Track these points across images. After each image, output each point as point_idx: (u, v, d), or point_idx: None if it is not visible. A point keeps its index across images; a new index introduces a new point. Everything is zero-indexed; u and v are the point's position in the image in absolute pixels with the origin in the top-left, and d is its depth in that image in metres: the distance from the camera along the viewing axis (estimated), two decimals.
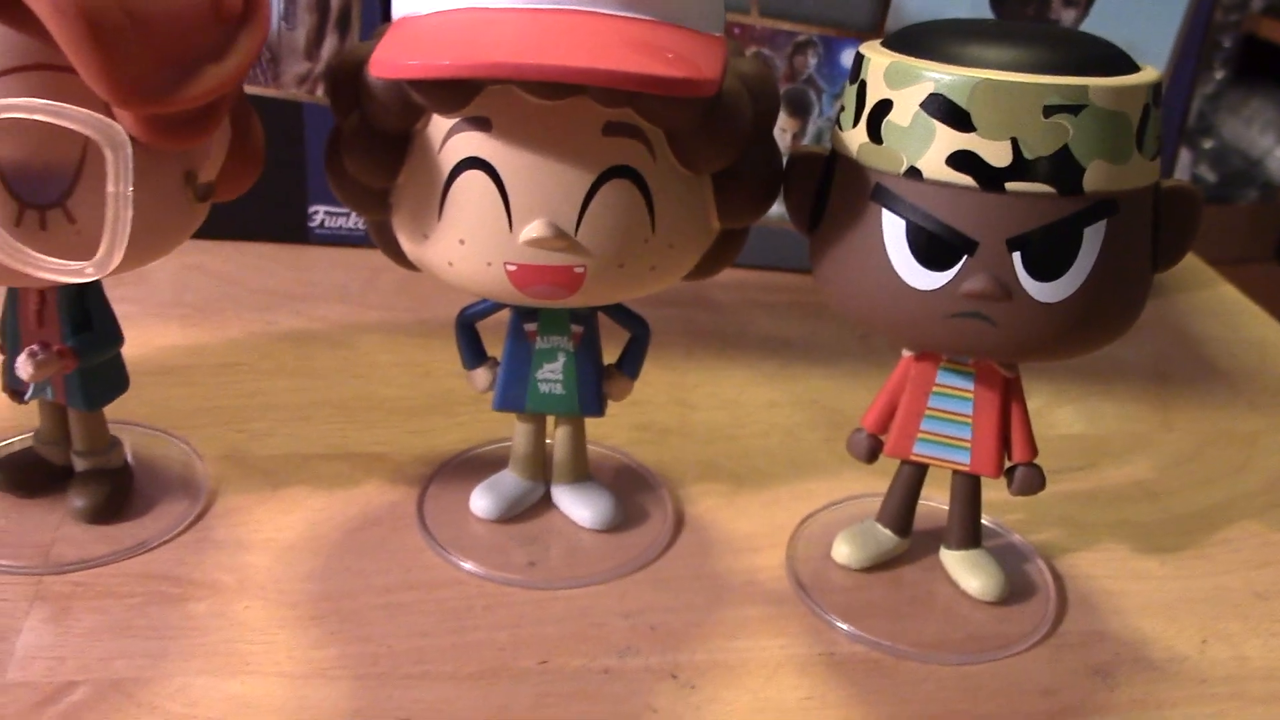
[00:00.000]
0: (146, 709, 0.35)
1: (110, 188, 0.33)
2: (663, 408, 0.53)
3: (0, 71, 0.33)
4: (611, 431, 0.49)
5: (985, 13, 0.59)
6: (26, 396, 0.41)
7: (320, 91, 0.61)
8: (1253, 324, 0.67)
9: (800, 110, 0.62)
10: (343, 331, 0.58)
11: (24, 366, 0.39)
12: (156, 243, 0.37)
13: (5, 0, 0.32)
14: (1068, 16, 0.59)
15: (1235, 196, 2.66)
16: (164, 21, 0.33)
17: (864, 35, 0.60)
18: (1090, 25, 0.59)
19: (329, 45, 0.60)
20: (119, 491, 0.43)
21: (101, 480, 0.43)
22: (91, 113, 0.32)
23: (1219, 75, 2.64)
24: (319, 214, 0.65)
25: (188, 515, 0.43)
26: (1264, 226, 2.51)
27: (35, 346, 0.39)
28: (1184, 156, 2.65)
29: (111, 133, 0.33)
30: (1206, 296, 0.70)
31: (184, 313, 0.56)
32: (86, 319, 0.40)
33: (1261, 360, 0.63)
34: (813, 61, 0.61)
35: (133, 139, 0.33)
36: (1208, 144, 2.66)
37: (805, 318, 0.63)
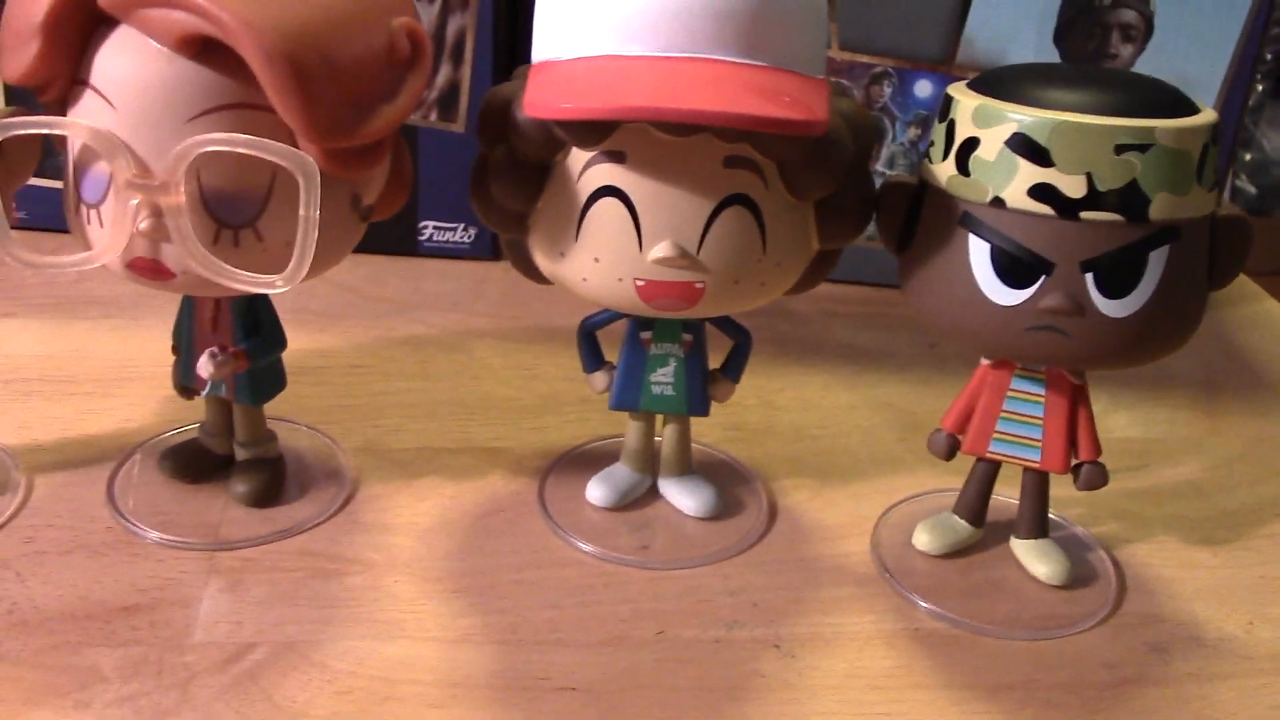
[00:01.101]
0: (319, 667, 0.40)
1: (301, 211, 0.38)
2: (753, 409, 0.57)
3: (205, 110, 0.37)
4: (707, 431, 0.54)
5: (1049, 47, 0.64)
6: (204, 393, 0.46)
7: (434, 116, 0.66)
8: None
9: (876, 136, 0.66)
10: (455, 337, 0.63)
11: (205, 366, 0.44)
12: (328, 257, 0.42)
13: (210, 47, 0.37)
14: (1126, 51, 0.64)
15: (1274, 209, 2.68)
16: (350, 67, 0.38)
17: (935, 67, 0.65)
18: (1147, 59, 0.64)
19: (443, 74, 0.65)
20: (277, 479, 0.48)
21: (262, 468, 0.48)
22: (289, 147, 0.37)
23: (1260, 88, 2.66)
24: (428, 228, 0.70)
25: (336, 500, 0.48)
26: None
27: (215, 349, 0.44)
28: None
29: (305, 164, 0.38)
30: (1252, 311, 0.74)
31: (311, 319, 0.62)
32: (256, 325, 0.45)
33: None
34: (888, 91, 0.66)
35: None
36: (1248, 156, 2.68)
37: (877, 328, 0.67)
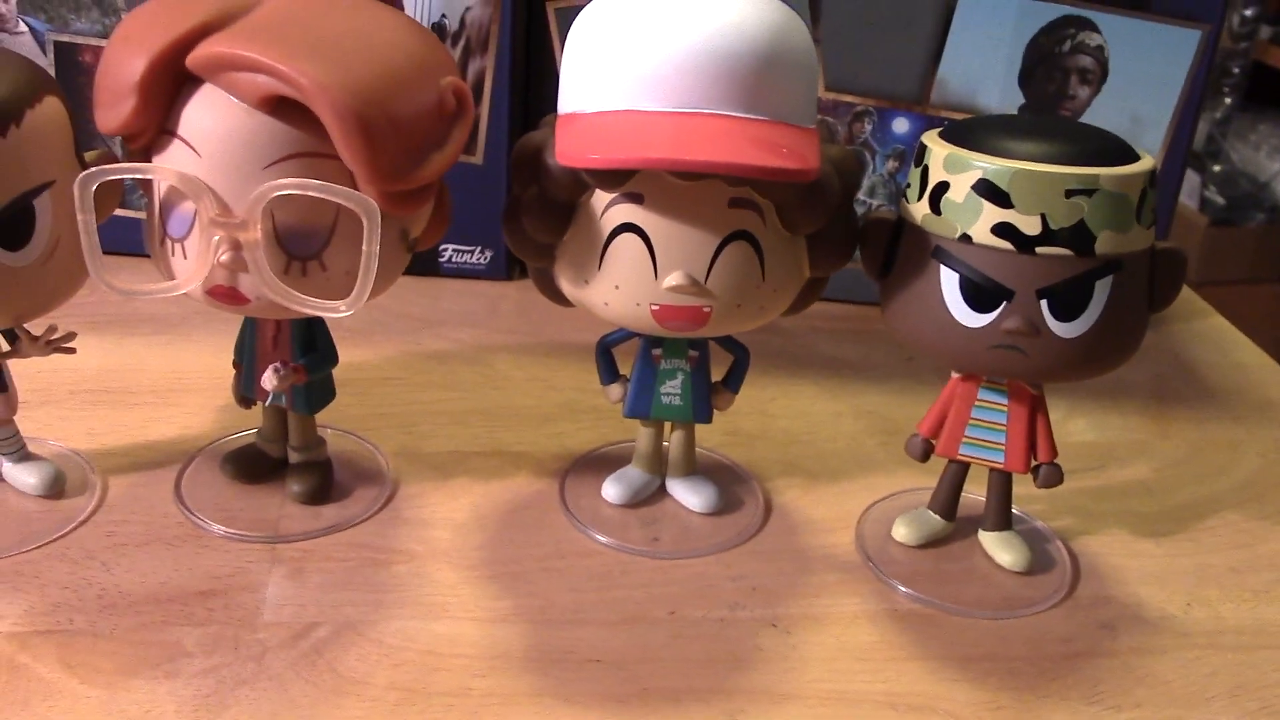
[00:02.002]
0: (375, 643, 0.45)
1: (365, 247, 0.44)
2: (748, 417, 0.63)
3: (280, 159, 0.43)
4: (708, 436, 0.60)
5: (1014, 89, 0.70)
6: (266, 403, 0.52)
7: None
8: (1239, 349, 0.78)
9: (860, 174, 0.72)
10: (476, 351, 0.69)
11: (270, 379, 0.49)
12: (382, 284, 0.47)
13: (285, 104, 0.42)
14: (1083, 92, 0.70)
15: (1243, 219, 2.74)
16: (407, 121, 0.43)
17: (912, 106, 0.71)
18: (1102, 99, 0.70)
19: None
20: (327, 479, 0.54)
21: (314, 470, 0.53)
22: (353, 191, 0.43)
23: (1228, 101, 2.73)
24: (448, 251, 0.76)
25: (379, 499, 0.54)
26: (1271, 249, 2.59)
27: (278, 364, 0.50)
28: (1193, 181, 2.74)
29: (368, 206, 0.43)
30: (1200, 326, 0.81)
31: (345, 336, 0.65)
32: (313, 343, 0.51)
33: (1245, 380, 0.73)
34: (868, 127, 0.72)
35: None
36: (1216, 168, 2.75)
37: (860, 342, 0.73)
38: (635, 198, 0.46)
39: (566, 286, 0.49)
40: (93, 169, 0.43)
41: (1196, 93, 0.70)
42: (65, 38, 0.69)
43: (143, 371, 0.63)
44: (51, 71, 0.69)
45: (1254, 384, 0.73)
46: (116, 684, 0.42)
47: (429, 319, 0.71)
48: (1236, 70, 2.70)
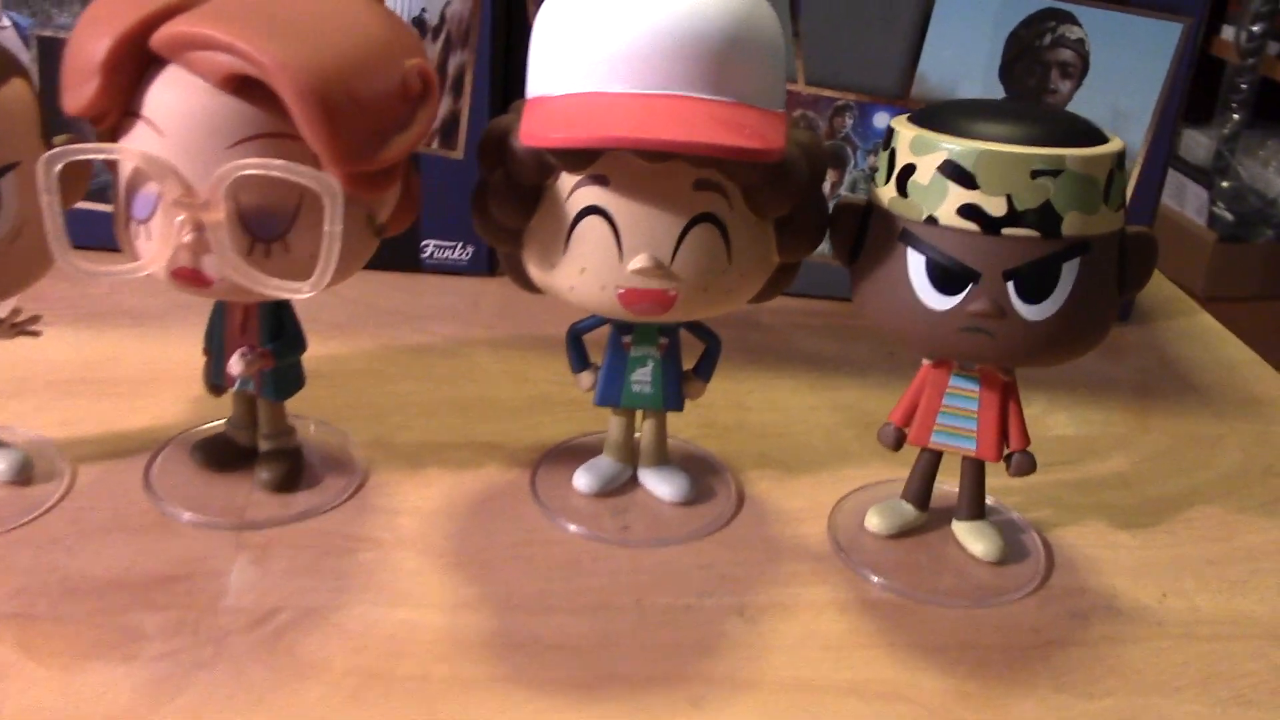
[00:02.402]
0: (336, 628, 0.45)
1: (325, 227, 0.44)
2: (724, 409, 0.63)
3: (243, 139, 0.43)
4: (684, 427, 0.59)
5: (995, 83, 0.70)
6: (234, 388, 0.52)
7: (436, 144, 0.72)
8: (1224, 346, 0.77)
9: (838, 163, 0.72)
10: (455, 344, 0.68)
11: (236, 364, 0.49)
12: (346, 268, 0.47)
13: (248, 83, 0.42)
14: (1064, 86, 0.70)
15: (1252, 235, 2.74)
16: (369, 102, 0.43)
17: (893, 100, 0.71)
18: (1083, 93, 0.70)
19: (445, 105, 0.70)
20: (297, 467, 0.53)
21: (283, 458, 0.53)
22: (316, 171, 0.43)
23: (1235, 117, 2.73)
24: (429, 246, 0.76)
25: (349, 487, 0.53)
26: None
27: (245, 349, 0.50)
28: (1202, 197, 2.74)
29: (330, 186, 0.43)
30: (1188, 323, 0.80)
31: (324, 329, 0.67)
32: (280, 328, 0.51)
33: (1229, 377, 0.73)
34: (849, 122, 0.72)
35: None
36: (1225, 184, 2.74)
37: (838, 337, 0.73)
38: (600, 180, 0.46)
39: (533, 271, 0.49)
40: (56, 149, 0.43)
41: (1179, 87, 0.70)
42: (49, 32, 0.70)
43: (120, 362, 0.63)
44: (35, 66, 0.69)
45: (1239, 379, 0.72)
46: (73, 666, 0.42)
47: (410, 313, 0.71)
48: (1244, 86, 2.70)
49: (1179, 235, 2.73)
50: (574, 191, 0.46)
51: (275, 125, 0.43)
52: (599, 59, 0.44)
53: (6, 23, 0.70)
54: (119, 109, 0.44)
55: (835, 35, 0.70)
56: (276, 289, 0.45)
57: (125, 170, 0.45)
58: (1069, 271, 0.45)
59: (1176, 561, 0.53)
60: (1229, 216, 2.73)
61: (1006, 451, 0.50)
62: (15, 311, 0.50)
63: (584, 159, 0.45)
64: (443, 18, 0.69)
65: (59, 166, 0.43)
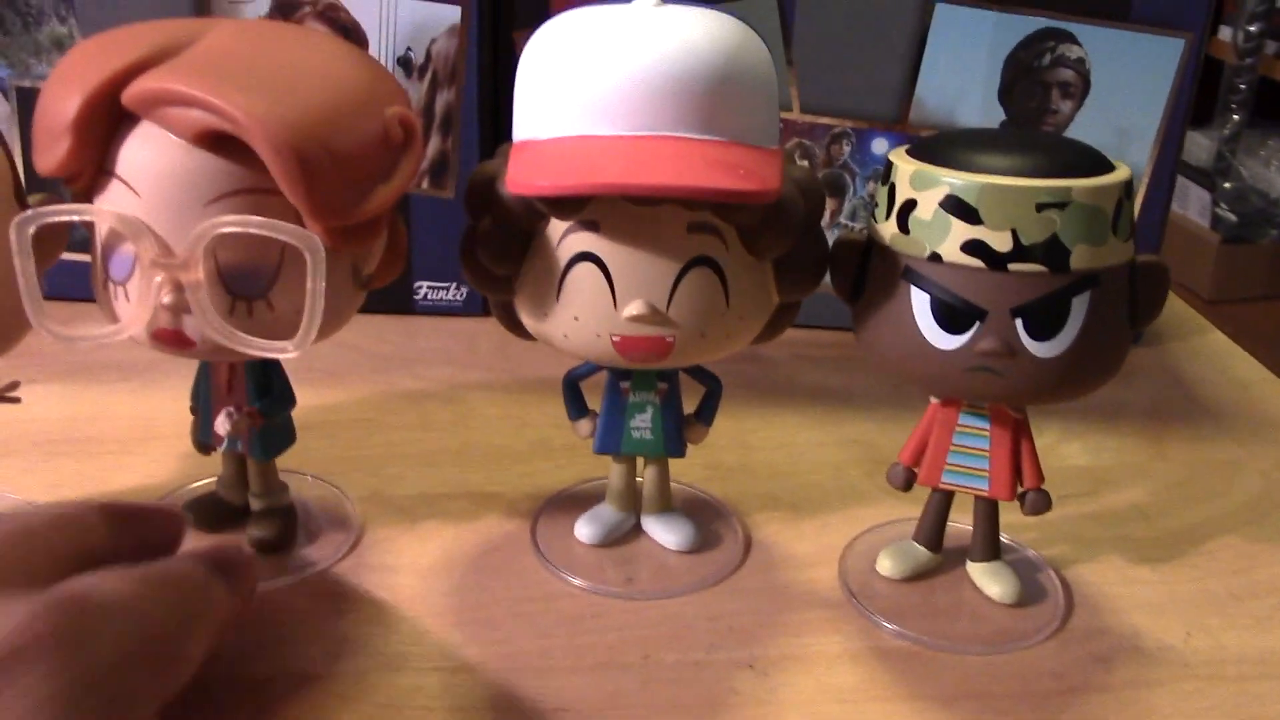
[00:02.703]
0: (334, 696, 0.43)
1: (309, 284, 0.42)
2: (728, 449, 0.61)
3: (220, 195, 0.41)
4: (687, 470, 0.58)
5: (994, 105, 0.68)
6: (222, 448, 0.50)
7: (425, 184, 0.70)
8: (1239, 366, 0.75)
9: (837, 192, 0.71)
10: (451, 390, 0.67)
11: (222, 424, 0.48)
12: (333, 323, 0.45)
13: (223, 139, 0.41)
14: (1065, 107, 0.68)
15: (1256, 236, 2.73)
16: (348, 154, 0.42)
17: (891, 126, 0.69)
18: (1085, 113, 0.68)
19: (433, 145, 0.69)
20: (289, 526, 0.52)
21: (275, 517, 0.52)
22: (296, 227, 0.41)
23: (1236, 118, 2.72)
24: (423, 288, 0.74)
25: (345, 544, 0.52)
26: None
27: (231, 409, 0.48)
28: (1204, 198, 2.72)
29: (311, 242, 0.42)
30: (1199, 342, 0.78)
31: (317, 377, 0.66)
32: (268, 385, 0.49)
33: (1245, 398, 0.71)
34: (847, 149, 0.70)
35: None
36: (1227, 185, 2.73)
37: (844, 370, 0.71)
38: (591, 225, 0.44)
39: (526, 319, 0.48)
40: (29, 212, 0.42)
41: (1183, 103, 0.68)
42: (27, 83, 0.68)
43: (107, 420, 0.62)
44: (15, 117, 0.68)
45: (1255, 400, 0.71)
46: None
47: (404, 357, 0.70)
48: (1243, 86, 2.69)
49: (1182, 238, 2.72)
50: (565, 237, 0.45)
51: (254, 180, 0.42)
52: (585, 100, 0.43)
53: None
54: (93, 168, 0.43)
55: (830, 61, 0.68)
56: (261, 349, 0.43)
57: (101, 231, 0.44)
58: (1079, 306, 0.43)
59: (1200, 597, 0.51)
60: (1232, 218, 2.72)
61: (1020, 490, 0.49)
62: None
63: (574, 205, 0.44)
64: (428, 56, 0.68)
65: (33, 229, 0.42)
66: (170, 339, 0.44)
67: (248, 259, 0.42)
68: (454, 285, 0.74)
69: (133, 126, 0.42)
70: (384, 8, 0.67)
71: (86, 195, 0.44)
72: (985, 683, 0.46)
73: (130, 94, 0.41)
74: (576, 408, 0.52)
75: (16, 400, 0.49)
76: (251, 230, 0.41)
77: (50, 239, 0.46)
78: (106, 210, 0.42)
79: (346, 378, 0.67)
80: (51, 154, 0.42)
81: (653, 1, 0.45)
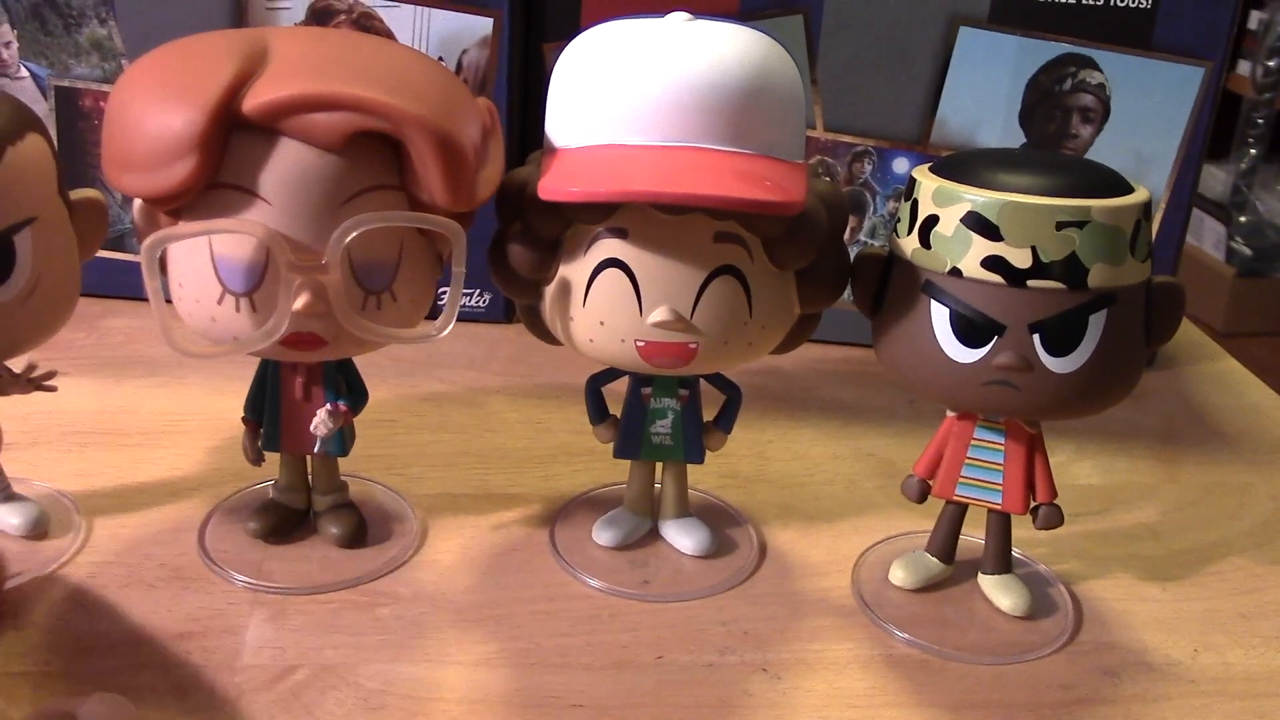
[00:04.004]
0: (354, 687, 0.44)
1: (455, 269, 0.45)
2: (745, 459, 0.62)
3: (351, 195, 0.43)
4: (703, 478, 0.59)
5: (1014, 128, 0.69)
6: (315, 449, 0.50)
7: None
8: (1251, 391, 0.76)
9: (857, 209, 0.72)
10: (472, 394, 0.68)
11: (325, 422, 0.48)
12: (426, 307, 0.48)
13: (352, 141, 0.42)
14: (1085, 131, 0.69)
15: (1270, 270, 2.72)
16: (474, 142, 0.44)
17: (912, 146, 0.70)
18: (1105, 138, 0.69)
19: None
20: (362, 519, 0.53)
21: (349, 511, 0.53)
22: (442, 217, 0.43)
23: (1253, 152, 2.72)
24: (446, 294, 0.75)
25: (411, 545, 0.53)
26: None
27: (330, 406, 0.49)
28: (1219, 232, 2.72)
29: (455, 228, 0.44)
30: (1211, 368, 0.79)
31: None
32: (349, 384, 0.50)
33: (1257, 422, 0.72)
34: (868, 168, 0.71)
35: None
36: (1243, 219, 2.73)
37: (859, 384, 0.72)
38: (619, 233, 0.45)
39: (552, 323, 0.49)
40: (161, 233, 0.43)
41: (1201, 130, 0.69)
42: (65, 83, 0.70)
43: (136, 414, 0.63)
44: (52, 115, 0.70)
45: (1266, 426, 0.71)
46: None
47: (426, 362, 0.71)
48: (1260, 121, 2.69)
49: (1197, 271, 2.72)
50: (593, 244, 0.46)
51: (379, 178, 0.43)
52: (617, 111, 0.44)
53: (24, 73, 0.70)
54: (205, 182, 0.42)
55: (853, 81, 0.69)
56: (397, 338, 0.45)
57: (218, 245, 0.43)
58: (1095, 324, 0.44)
59: (1208, 615, 0.52)
60: (1247, 251, 2.72)
61: (1033, 504, 0.49)
62: (31, 366, 0.49)
63: (603, 212, 0.45)
64: (459, 65, 0.69)
65: (160, 251, 0.43)
66: (301, 341, 0.45)
67: (376, 255, 0.44)
68: (477, 291, 0.76)
69: (253, 137, 0.42)
70: (417, 18, 0.68)
71: (178, 211, 0.43)
72: (995, 692, 0.46)
73: (259, 104, 0.41)
74: (598, 413, 0.53)
75: (52, 389, 0.50)
76: (395, 224, 0.43)
77: (93, 228, 0.47)
78: (250, 222, 0.42)
79: (369, 380, 0.67)
80: (169, 174, 0.41)
81: (685, 16, 0.46)
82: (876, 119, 0.70)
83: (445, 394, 0.68)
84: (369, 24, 0.68)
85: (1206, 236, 2.81)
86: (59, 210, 0.45)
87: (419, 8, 0.68)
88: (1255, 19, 2.53)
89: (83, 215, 0.46)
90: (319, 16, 0.67)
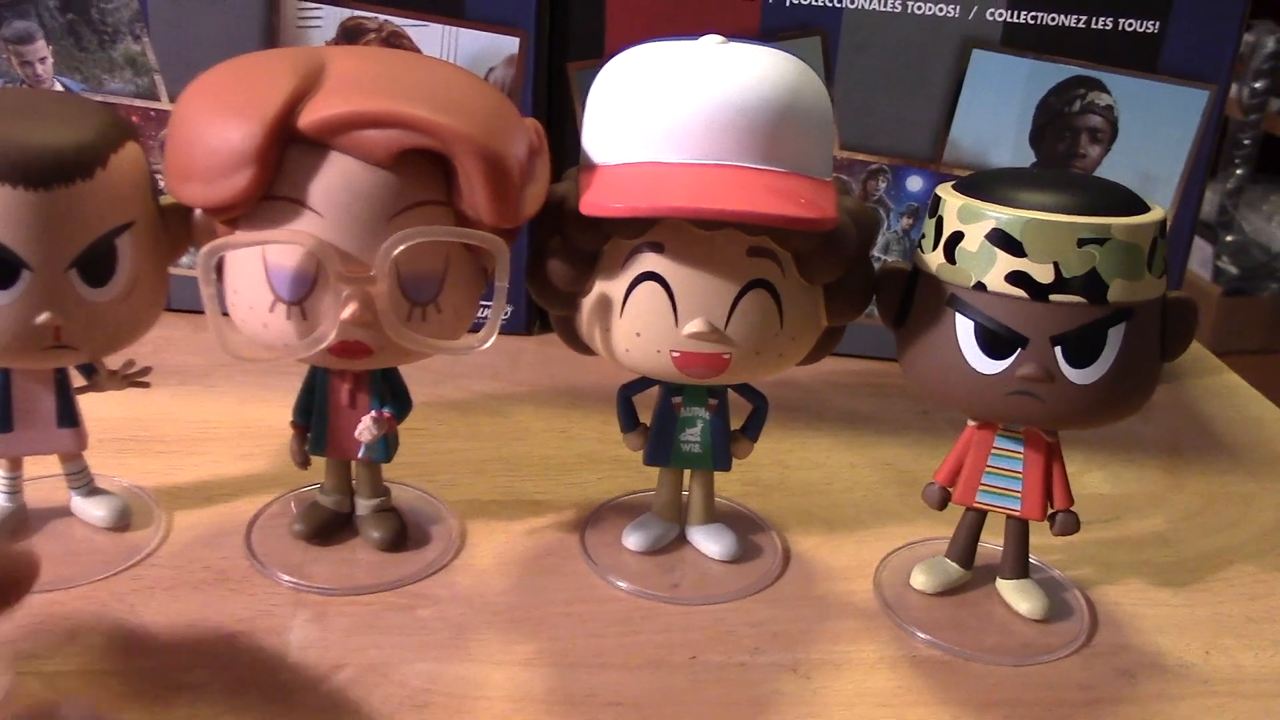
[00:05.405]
0: (398, 685, 0.45)
1: (498, 283, 0.46)
2: (766, 468, 0.64)
3: (400, 210, 0.44)
4: (727, 486, 0.60)
5: (1025, 148, 0.71)
6: (360, 454, 0.52)
7: None
8: (1251, 405, 0.78)
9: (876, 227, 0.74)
10: (496, 402, 0.70)
11: (370, 429, 0.50)
12: (470, 319, 0.49)
13: (403, 157, 0.43)
14: (1094, 151, 0.71)
15: (1256, 289, 2.75)
16: (520, 160, 0.46)
17: (925, 164, 0.72)
18: (1112, 158, 0.71)
19: None
20: (404, 524, 0.54)
21: (391, 516, 0.54)
22: (486, 232, 0.45)
23: (1239, 172, 2.76)
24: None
25: (451, 548, 0.55)
26: None
27: (375, 413, 0.50)
28: (1206, 250, 2.75)
29: (498, 244, 0.45)
30: (1213, 382, 0.81)
31: None
32: (394, 392, 0.52)
33: (1258, 434, 0.74)
34: (883, 185, 0.73)
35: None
36: (1229, 238, 2.76)
37: (873, 396, 0.74)
38: (656, 247, 0.47)
39: (588, 334, 0.50)
40: (216, 241, 0.44)
41: (1205, 151, 0.71)
42: (99, 97, 0.71)
43: (170, 421, 0.64)
44: None
45: (1268, 438, 0.73)
46: None
47: (450, 372, 0.72)
48: (1247, 142, 2.73)
49: (1185, 289, 2.75)
50: (630, 258, 0.47)
51: (426, 194, 0.45)
52: (656, 130, 0.46)
53: (59, 88, 0.72)
54: (261, 195, 0.44)
55: (869, 101, 0.71)
56: (439, 349, 0.47)
57: (271, 255, 0.45)
58: (1114, 336, 0.46)
59: (1217, 618, 0.54)
60: (1233, 270, 2.75)
61: (1050, 510, 0.51)
62: (129, 363, 0.51)
63: (641, 227, 0.46)
64: None
65: (217, 259, 0.45)
66: (348, 350, 0.46)
67: (422, 267, 0.45)
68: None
69: (308, 151, 0.43)
70: (445, 37, 0.70)
71: (233, 222, 0.45)
72: (1015, 691, 0.48)
73: (314, 120, 0.43)
74: (629, 421, 0.54)
75: (146, 385, 0.52)
76: (442, 239, 0.45)
77: (180, 233, 0.49)
78: (303, 233, 0.44)
79: None
80: (227, 185, 0.43)
81: (718, 39, 0.48)
82: (891, 138, 0.72)
83: (471, 403, 0.69)
84: (398, 43, 0.70)
85: (1194, 255, 2.84)
86: (153, 214, 0.47)
87: (447, 27, 0.70)
88: (1243, 41, 2.56)
89: (170, 220, 0.48)
90: (349, 34, 0.69)
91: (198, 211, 0.47)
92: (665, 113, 0.46)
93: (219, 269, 0.47)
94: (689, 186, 0.45)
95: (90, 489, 0.54)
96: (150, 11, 0.70)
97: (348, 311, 0.44)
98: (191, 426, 0.64)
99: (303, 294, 0.45)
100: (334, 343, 0.45)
